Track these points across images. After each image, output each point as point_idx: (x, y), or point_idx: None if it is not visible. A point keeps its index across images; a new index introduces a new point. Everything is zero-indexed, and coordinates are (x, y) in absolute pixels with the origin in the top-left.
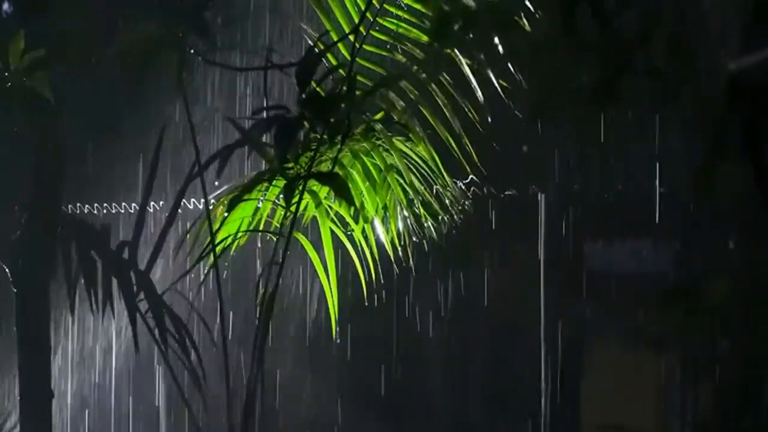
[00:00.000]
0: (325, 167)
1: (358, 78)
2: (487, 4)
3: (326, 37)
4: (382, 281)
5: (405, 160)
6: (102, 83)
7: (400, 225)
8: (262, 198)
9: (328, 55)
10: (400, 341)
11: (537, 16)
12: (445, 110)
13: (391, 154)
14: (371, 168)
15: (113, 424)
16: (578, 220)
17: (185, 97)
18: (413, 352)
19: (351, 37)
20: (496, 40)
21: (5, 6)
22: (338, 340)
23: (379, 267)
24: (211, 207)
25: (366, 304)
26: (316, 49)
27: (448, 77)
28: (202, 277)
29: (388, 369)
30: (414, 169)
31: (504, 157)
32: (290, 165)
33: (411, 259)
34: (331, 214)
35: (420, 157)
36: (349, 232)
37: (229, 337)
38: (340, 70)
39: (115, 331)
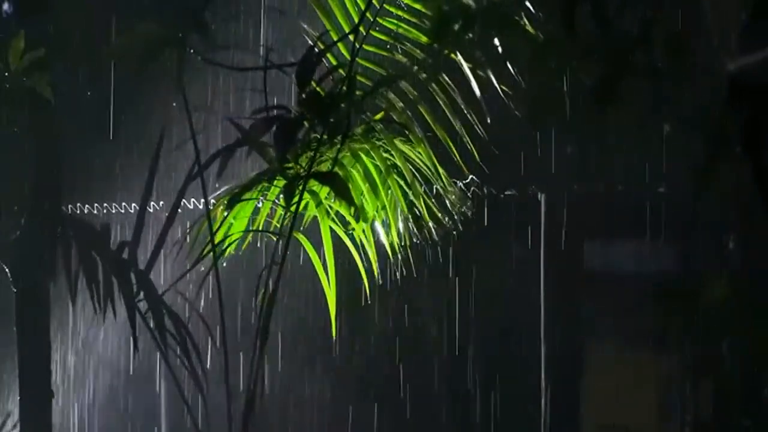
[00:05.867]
0: (325, 167)
1: (358, 78)
2: (487, 4)
3: (326, 37)
4: (382, 281)
5: (405, 161)
6: (102, 83)
7: (400, 225)
8: (262, 198)
9: (328, 55)
10: (399, 341)
11: (537, 16)
12: (445, 110)
13: (392, 155)
14: (371, 168)
15: (113, 425)
16: (578, 220)
17: (185, 96)
18: (413, 351)
19: (351, 37)
20: (496, 40)
21: (5, 6)
22: (336, 339)
23: (379, 267)
24: (211, 207)
25: (366, 304)
26: (316, 49)
27: (447, 77)
28: (202, 276)
29: (387, 368)
30: (414, 170)
31: (504, 157)
32: (290, 165)
33: (411, 260)
34: (332, 214)
35: (420, 158)
36: (349, 232)
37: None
38: (340, 70)
39: (115, 331)
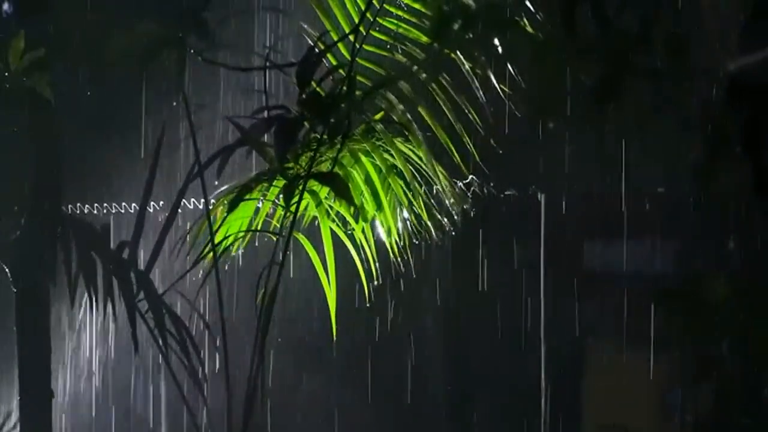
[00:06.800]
0: (325, 167)
1: (358, 78)
2: (487, 4)
3: (326, 37)
4: (381, 281)
5: (405, 161)
6: (102, 83)
7: (400, 225)
8: (262, 198)
9: (328, 55)
10: (398, 340)
11: (537, 16)
12: (445, 110)
13: (392, 155)
14: (371, 168)
15: (113, 425)
16: (578, 220)
17: (185, 96)
18: (413, 352)
19: (351, 37)
20: (496, 40)
21: (5, 6)
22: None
23: (379, 267)
24: (211, 207)
25: (366, 304)
26: (316, 49)
27: (447, 77)
28: (202, 276)
29: (387, 369)
30: (414, 170)
31: (504, 157)
32: (290, 165)
33: (411, 260)
34: (332, 214)
35: (420, 158)
36: (349, 232)
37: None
38: (340, 70)
39: (115, 331)
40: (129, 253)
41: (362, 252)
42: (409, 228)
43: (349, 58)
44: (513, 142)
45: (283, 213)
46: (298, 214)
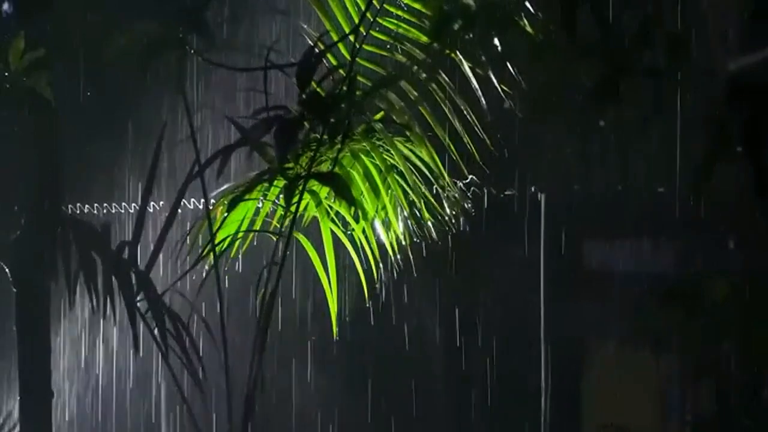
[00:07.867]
0: (325, 167)
1: (358, 78)
2: (486, 4)
3: (326, 37)
4: (381, 281)
5: (405, 161)
6: (102, 83)
7: (400, 225)
8: (262, 198)
9: (328, 55)
10: (399, 341)
11: (537, 16)
12: (445, 110)
13: (392, 155)
14: (371, 168)
15: (113, 425)
16: (578, 220)
17: (185, 96)
18: (412, 352)
19: (351, 37)
20: (496, 40)
21: (5, 6)
22: (337, 339)
23: (379, 267)
24: (211, 207)
25: (366, 304)
26: (316, 49)
27: (447, 77)
28: (203, 276)
29: (387, 369)
30: (414, 170)
31: (504, 157)
32: (290, 165)
33: (411, 260)
34: (331, 214)
35: (420, 158)
36: (349, 232)
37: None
38: (340, 70)
39: (115, 331)
40: (129, 253)
41: (362, 252)
42: (410, 228)
43: (349, 58)
44: (513, 142)
45: (283, 213)
46: (298, 214)
